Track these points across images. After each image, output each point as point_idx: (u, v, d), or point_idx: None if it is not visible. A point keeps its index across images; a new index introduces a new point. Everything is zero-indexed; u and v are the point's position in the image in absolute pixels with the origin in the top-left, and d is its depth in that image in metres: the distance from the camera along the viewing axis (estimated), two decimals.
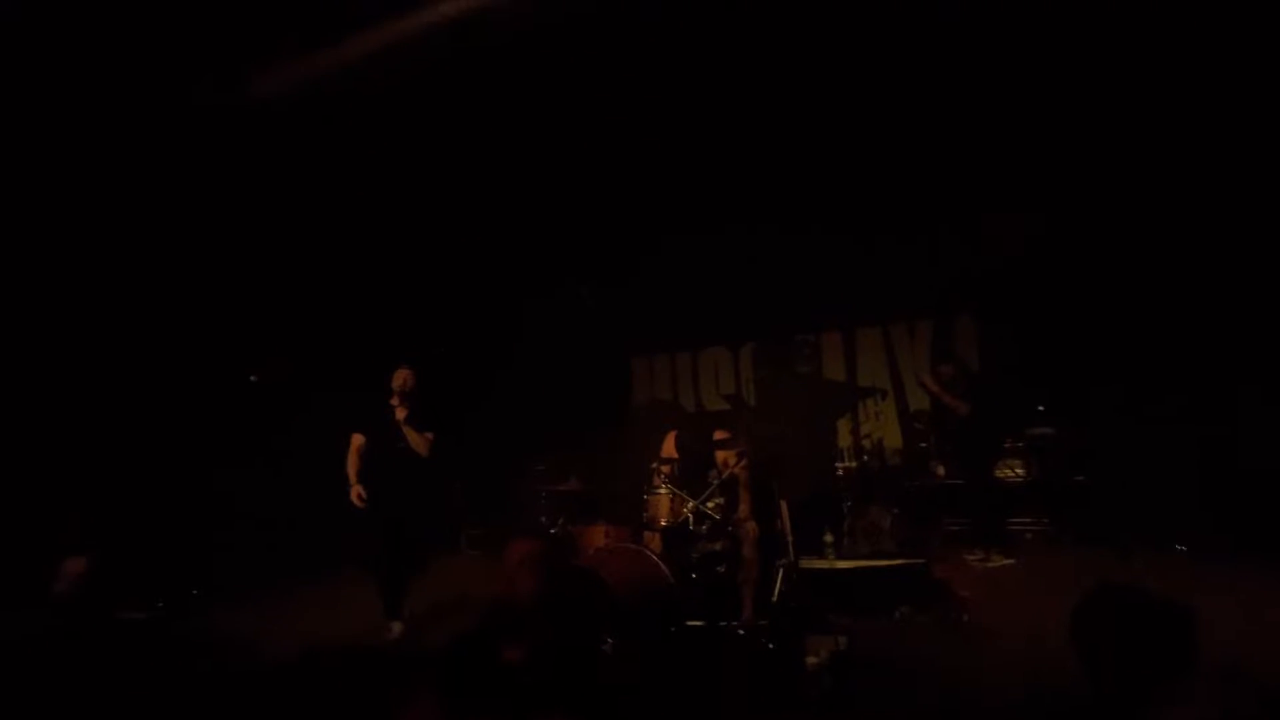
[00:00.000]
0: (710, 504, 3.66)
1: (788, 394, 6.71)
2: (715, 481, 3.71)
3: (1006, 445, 5.40)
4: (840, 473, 5.40)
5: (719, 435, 4.14)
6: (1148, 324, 5.05)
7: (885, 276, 6.19)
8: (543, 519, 4.51)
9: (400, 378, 3.78)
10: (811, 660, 3.06)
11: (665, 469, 4.10)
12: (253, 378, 3.60)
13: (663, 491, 3.74)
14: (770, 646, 3.32)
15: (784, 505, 3.83)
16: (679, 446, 4.20)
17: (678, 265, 6.47)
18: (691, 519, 3.65)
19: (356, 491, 3.59)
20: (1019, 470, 5.40)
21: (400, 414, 3.69)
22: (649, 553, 3.52)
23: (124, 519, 4.15)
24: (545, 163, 5.24)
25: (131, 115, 3.97)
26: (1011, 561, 4.77)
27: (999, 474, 5.36)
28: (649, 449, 4.51)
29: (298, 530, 4.51)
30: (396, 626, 3.59)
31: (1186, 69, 4.00)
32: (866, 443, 6.24)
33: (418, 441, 3.68)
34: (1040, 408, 5.51)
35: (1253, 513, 4.04)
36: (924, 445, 5.96)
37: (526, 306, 6.81)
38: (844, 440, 6.38)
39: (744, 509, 3.88)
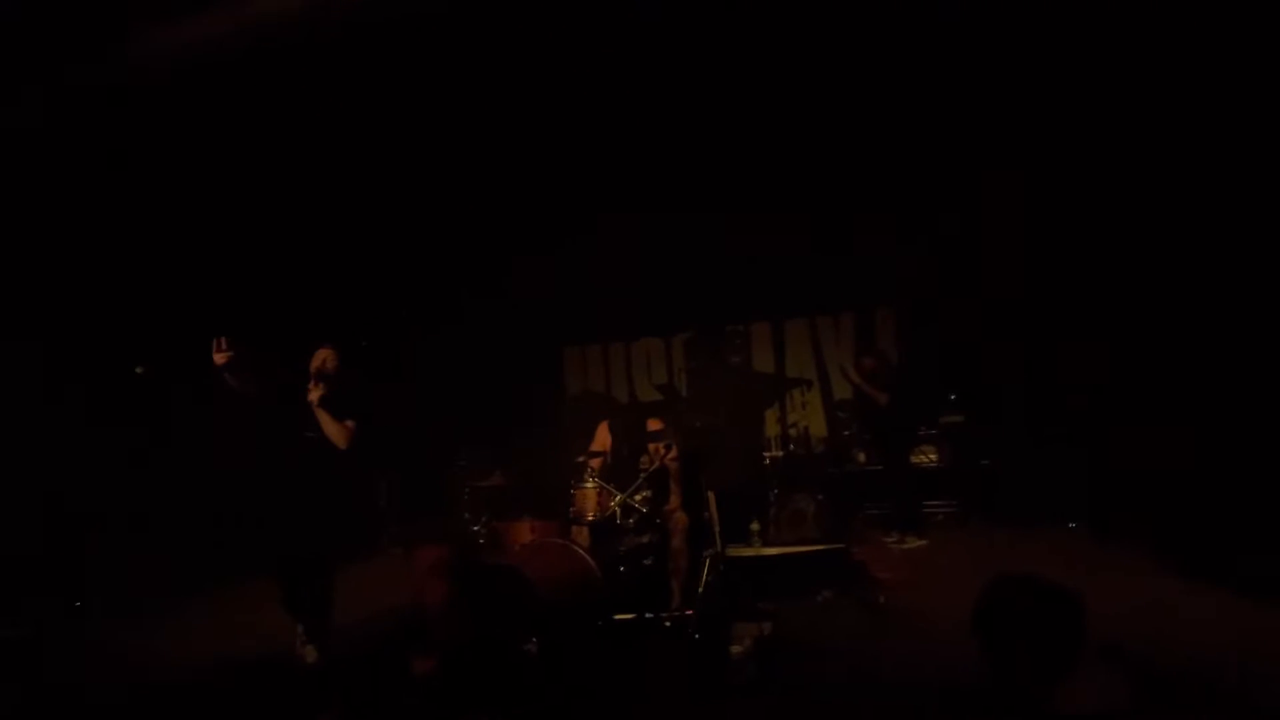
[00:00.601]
0: (638, 497, 3.64)
1: (719, 384, 6.79)
2: (643, 474, 3.69)
3: (921, 433, 5.66)
4: (767, 461, 5.52)
5: (652, 426, 4.13)
6: (1047, 322, 5.40)
7: (812, 270, 6.36)
8: (466, 515, 4.37)
9: (320, 358, 3.35)
10: (736, 649, 3.10)
11: (595, 462, 4.05)
12: (138, 370, 3.18)
13: (590, 485, 3.68)
14: (697, 636, 3.34)
15: (711, 496, 3.85)
16: (612, 437, 4.16)
17: (611, 255, 6.42)
18: (619, 512, 3.61)
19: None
20: (933, 456, 5.69)
21: (314, 394, 3.22)
22: (576, 547, 3.47)
23: None
24: (477, 146, 5.05)
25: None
26: (924, 543, 5.02)
27: (915, 460, 5.62)
28: (578, 441, 4.44)
29: (200, 536, 4.13)
30: (310, 652, 2.85)
31: (1115, 63, 4.21)
32: (793, 431, 6.40)
33: (335, 431, 3.21)
34: (952, 397, 5.80)
35: (1130, 496, 4.41)
36: (847, 434, 6.17)
37: (455, 295, 6.57)
38: (772, 429, 6.52)
39: (673, 500, 3.89)
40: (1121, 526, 4.30)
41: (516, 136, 5.04)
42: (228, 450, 3.71)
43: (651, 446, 3.97)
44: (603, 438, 4.24)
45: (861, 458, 5.90)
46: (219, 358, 3.02)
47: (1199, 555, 3.37)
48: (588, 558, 3.40)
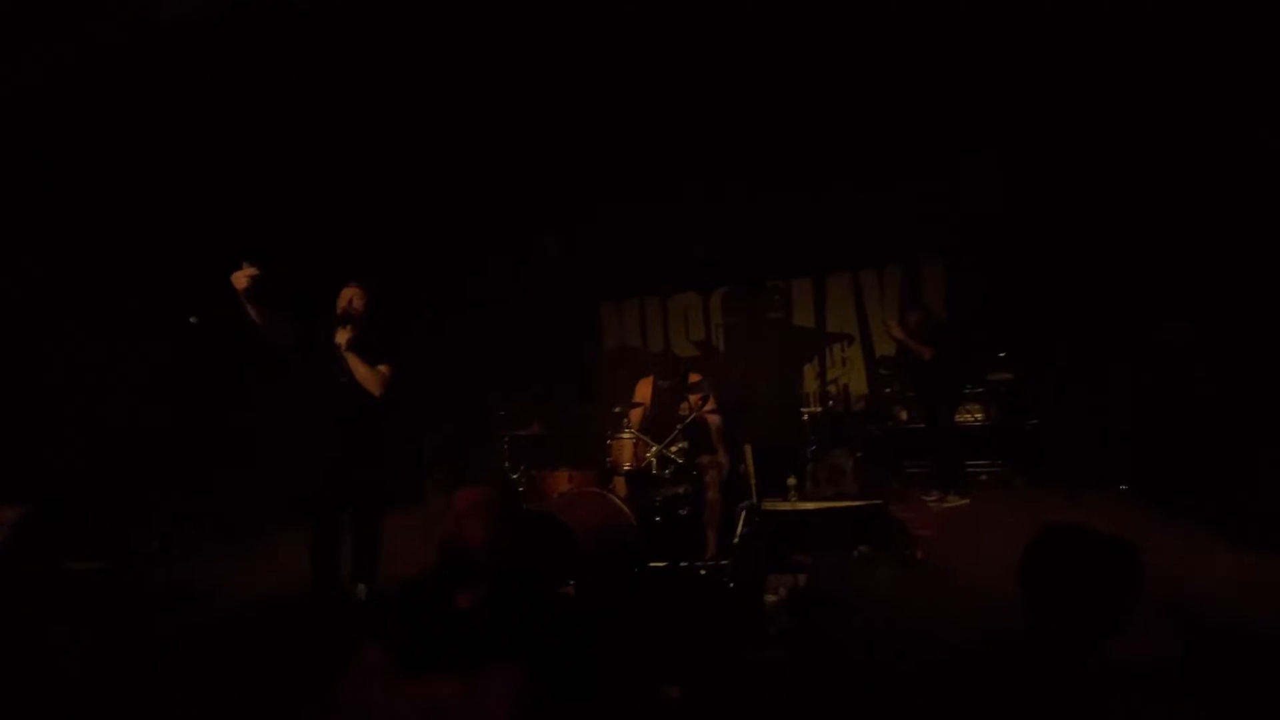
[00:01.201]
0: (674, 448, 3.66)
1: (757, 340, 6.71)
2: (679, 426, 3.69)
3: (967, 391, 5.49)
4: (805, 417, 5.46)
5: (693, 379, 4.12)
6: (1097, 277, 5.12)
7: (856, 224, 6.13)
8: (506, 464, 4.48)
9: (347, 296, 3.09)
10: (770, 598, 3.14)
11: (635, 413, 4.08)
12: (192, 319, 3.23)
13: (626, 436, 3.71)
14: (731, 585, 3.39)
15: (748, 449, 3.85)
16: (655, 391, 4.17)
17: (649, 212, 6.33)
18: (655, 463, 3.64)
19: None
20: (978, 415, 5.52)
21: (342, 337, 2.96)
22: (612, 496, 3.52)
23: (71, 468, 3.95)
24: (512, 103, 5.00)
25: None
26: (966, 502, 4.92)
27: (959, 418, 5.47)
28: (615, 393, 4.47)
29: (260, 480, 4.33)
30: (361, 589, 3.02)
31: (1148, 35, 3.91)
32: (833, 388, 6.29)
33: (367, 375, 2.98)
34: (1001, 354, 5.59)
35: (1180, 456, 4.22)
36: (889, 390, 6.04)
37: (494, 251, 6.59)
38: (811, 385, 6.42)
39: (709, 453, 3.90)
40: (1174, 491, 4.12)
41: (558, 93, 4.97)
42: (265, 401, 3.80)
43: (692, 398, 3.97)
44: (644, 391, 4.25)
45: (904, 415, 5.78)
46: (240, 279, 2.72)
47: (1253, 520, 3.21)
48: (623, 506, 3.46)
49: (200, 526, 4.14)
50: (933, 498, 5.03)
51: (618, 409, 3.86)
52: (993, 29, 4.32)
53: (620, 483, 3.81)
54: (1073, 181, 5.19)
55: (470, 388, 5.74)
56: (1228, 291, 4.07)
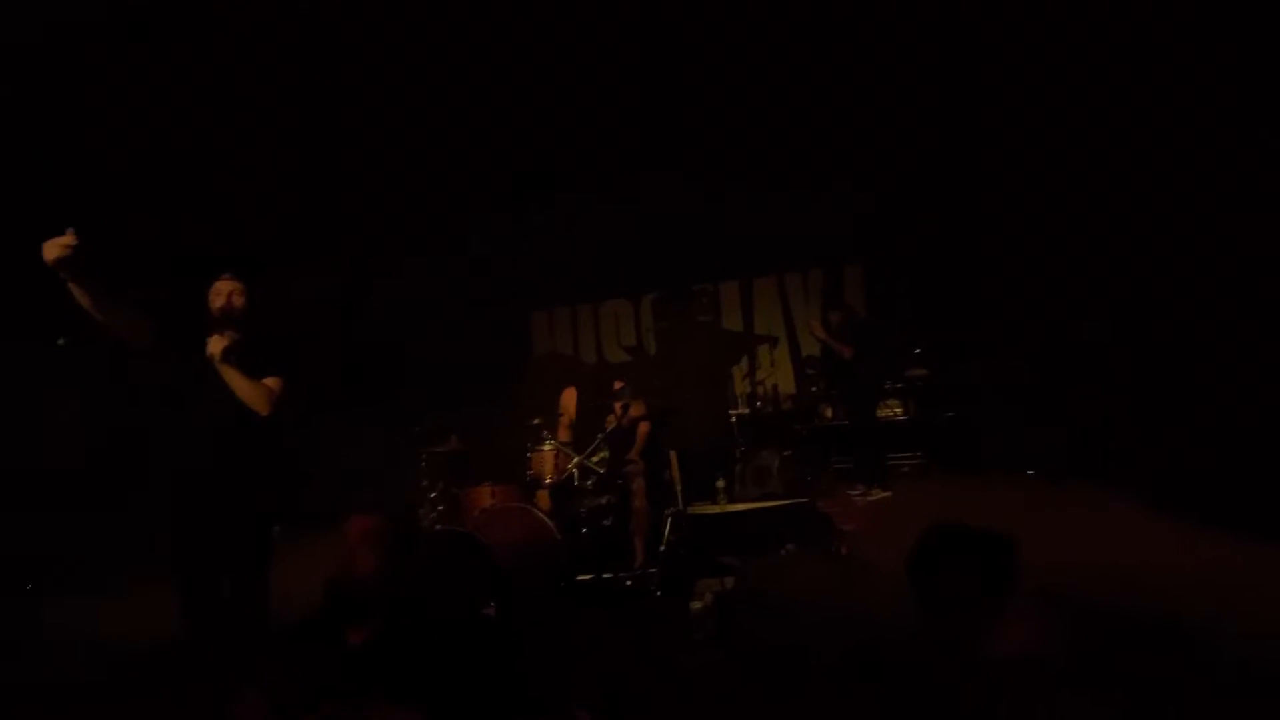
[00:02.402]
0: (595, 458, 3.60)
1: (688, 344, 6.73)
2: (600, 435, 3.64)
3: (887, 386, 5.68)
4: (734, 420, 5.51)
5: (618, 385, 4.07)
6: (1009, 274, 5.43)
7: (780, 226, 6.26)
8: (424, 482, 4.30)
9: (223, 292, 2.53)
10: (696, 605, 3.12)
11: (562, 422, 3.99)
12: (60, 341, 2.87)
13: (546, 448, 3.63)
14: (658, 594, 3.35)
15: (673, 455, 3.83)
16: (578, 400, 4.09)
17: (577, 217, 6.26)
18: (576, 474, 3.57)
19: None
20: (898, 410, 5.71)
21: (215, 346, 2.42)
22: (535, 511, 3.43)
23: None
24: (447, 101, 4.83)
25: None
26: (889, 494, 5.07)
27: (881, 414, 5.65)
28: (538, 404, 4.36)
29: (132, 514, 3.96)
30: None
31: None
32: (761, 389, 6.38)
33: (250, 392, 2.45)
34: (917, 351, 5.82)
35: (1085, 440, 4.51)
36: (814, 390, 6.17)
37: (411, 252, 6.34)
38: (741, 387, 6.49)
39: (634, 461, 3.86)
40: (1078, 473, 4.39)
41: (483, 93, 4.84)
42: (122, 420, 3.33)
43: (617, 406, 3.92)
44: (569, 401, 4.17)
45: (829, 413, 5.91)
46: (51, 249, 2.15)
47: (1156, 499, 3.44)
48: (546, 520, 3.37)
49: (68, 568, 3.75)
50: (857, 491, 5.15)
51: (537, 420, 3.77)
52: (908, 29, 4.44)
53: (543, 496, 3.72)
54: (984, 182, 5.48)
55: (385, 400, 5.48)
56: (1139, 285, 4.38)
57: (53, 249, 2.18)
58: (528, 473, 3.67)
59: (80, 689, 2.53)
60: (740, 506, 4.23)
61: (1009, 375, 5.32)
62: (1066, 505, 3.91)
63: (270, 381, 2.53)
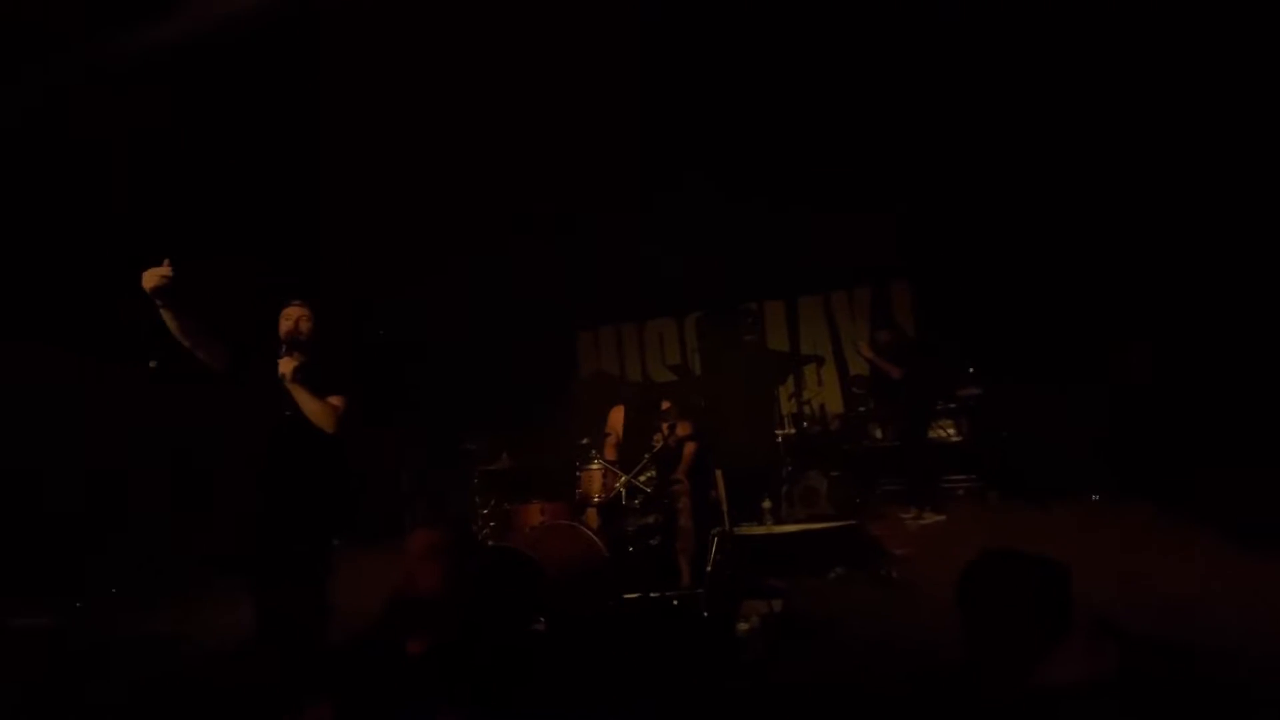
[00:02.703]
0: (642, 477, 3.65)
1: (732, 363, 6.74)
2: (647, 455, 3.69)
3: (939, 407, 5.55)
4: (780, 439, 5.48)
5: (665, 406, 4.13)
6: (1061, 289, 5.26)
7: (825, 243, 6.23)
8: (476, 499, 4.44)
9: (292, 318, 2.73)
10: (743, 626, 3.11)
11: (608, 442, 4.07)
12: (152, 364, 3.11)
13: (595, 467, 3.71)
14: (705, 615, 3.36)
15: (719, 474, 3.85)
16: (625, 419, 4.17)
17: (623, 236, 6.36)
18: (624, 493, 3.63)
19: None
20: (950, 430, 5.58)
21: (286, 366, 2.58)
22: (584, 528, 3.50)
23: (12, 519, 3.79)
24: (493, 125, 4.98)
25: None
26: (942, 518, 4.94)
27: (932, 434, 5.52)
28: (590, 424, 4.46)
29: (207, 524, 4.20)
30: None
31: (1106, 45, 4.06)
32: (808, 409, 6.33)
33: (317, 410, 2.61)
34: (970, 370, 5.68)
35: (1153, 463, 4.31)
36: (863, 409, 6.09)
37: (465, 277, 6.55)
38: (787, 407, 6.46)
39: (680, 480, 3.90)
40: (1144, 499, 4.19)
41: (526, 116, 4.96)
42: (200, 440, 3.51)
43: (663, 425, 3.98)
44: (616, 420, 4.25)
45: (878, 433, 5.82)
46: (151, 278, 2.39)
47: (1218, 528, 3.27)
48: (595, 538, 3.44)
49: (149, 574, 3.99)
50: (909, 515, 5.04)
51: (585, 440, 3.86)
52: (959, 50, 4.39)
53: (592, 514, 3.79)
54: (1033, 202, 5.35)
55: (441, 419, 5.67)
56: (1195, 303, 4.19)
57: (151, 278, 2.42)
58: (576, 491, 3.75)
59: (149, 695, 2.69)
60: (788, 528, 4.20)
61: (1067, 394, 5.13)
62: (1129, 532, 3.75)
63: (335, 400, 2.69)
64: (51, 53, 3.59)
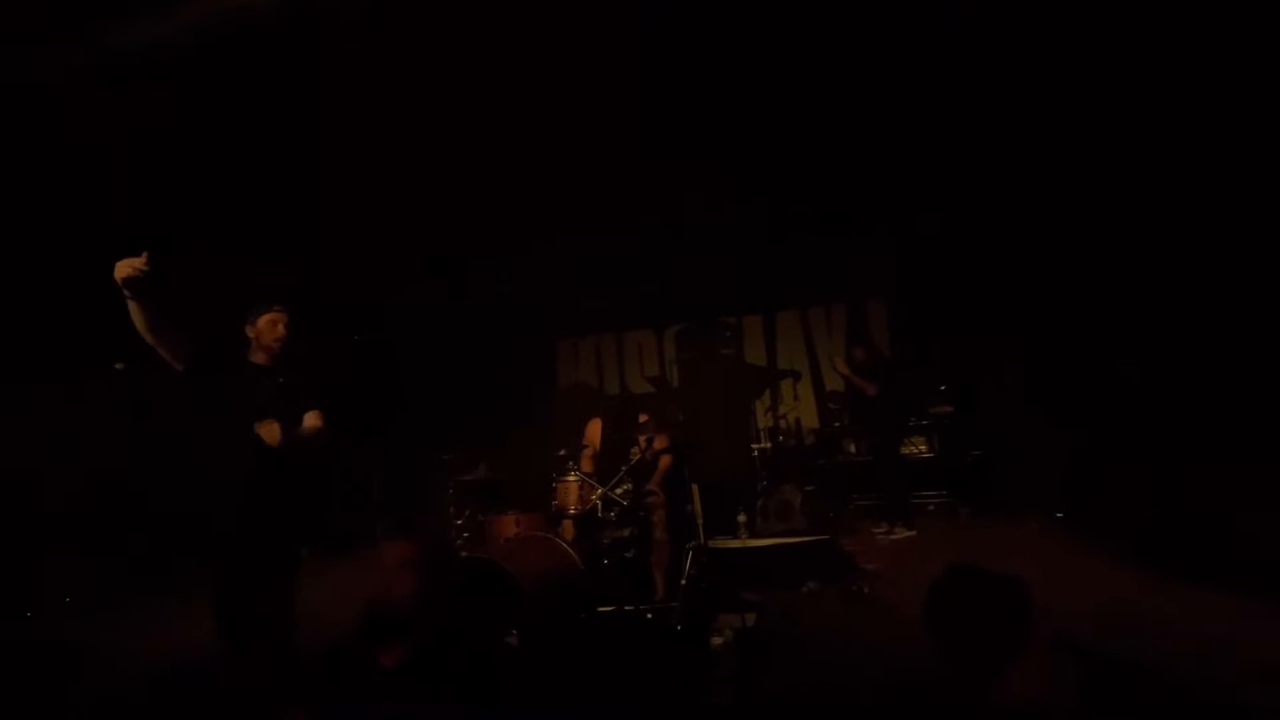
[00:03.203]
0: (618, 490, 3.66)
1: (710, 376, 6.80)
2: (624, 468, 3.70)
3: (912, 424, 5.66)
4: (755, 454, 5.53)
5: (643, 419, 4.14)
6: (1034, 310, 5.41)
7: (804, 261, 6.34)
8: (451, 509, 4.40)
9: (269, 323, 2.63)
10: (716, 640, 3.13)
11: (585, 454, 4.07)
12: (118, 366, 3.02)
13: (571, 479, 3.71)
14: (679, 628, 3.37)
15: (695, 488, 3.87)
16: (603, 431, 4.18)
17: (603, 247, 6.39)
18: (600, 506, 3.63)
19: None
20: (922, 447, 5.69)
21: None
22: (559, 541, 3.50)
23: None
24: (473, 135, 4.97)
25: None
26: (913, 533, 5.03)
27: (905, 451, 5.62)
28: (568, 435, 4.46)
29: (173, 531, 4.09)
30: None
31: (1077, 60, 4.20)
32: (784, 423, 6.40)
33: (300, 437, 2.57)
34: (942, 388, 5.80)
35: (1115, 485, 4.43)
36: (838, 425, 6.18)
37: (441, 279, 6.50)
38: (763, 421, 6.52)
39: (654, 492, 3.91)
40: (1105, 517, 4.31)
41: (506, 127, 4.96)
42: (167, 443, 3.37)
43: (640, 438, 4.00)
44: (593, 433, 4.25)
45: (852, 449, 5.91)
46: (123, 268, 2.28)
47: (1177, 550, 3.38)
48: (570, 551, 3.43)
49: (113, 581, 3.87)
50: (880, 530, 5.12)
51: (562, 451, 3.86)
52: (933, 70, 4.50)
53: (568, 526, 3.78)
54: (1007, 221, 5.50)
55: (416, 428, 5.61)
56: (1166, 323, 4.32)
57: (124, 268, 2.33)
58: (552, 503, 3.75)
59: (121, 709, 2.62)
60: (762, 542, 4.24)
61: (1037, 414, 5.27)
62: (1094, 549, 3.85)
63: (314, 420, 2.63)
64: (51, 51, 3.52)
